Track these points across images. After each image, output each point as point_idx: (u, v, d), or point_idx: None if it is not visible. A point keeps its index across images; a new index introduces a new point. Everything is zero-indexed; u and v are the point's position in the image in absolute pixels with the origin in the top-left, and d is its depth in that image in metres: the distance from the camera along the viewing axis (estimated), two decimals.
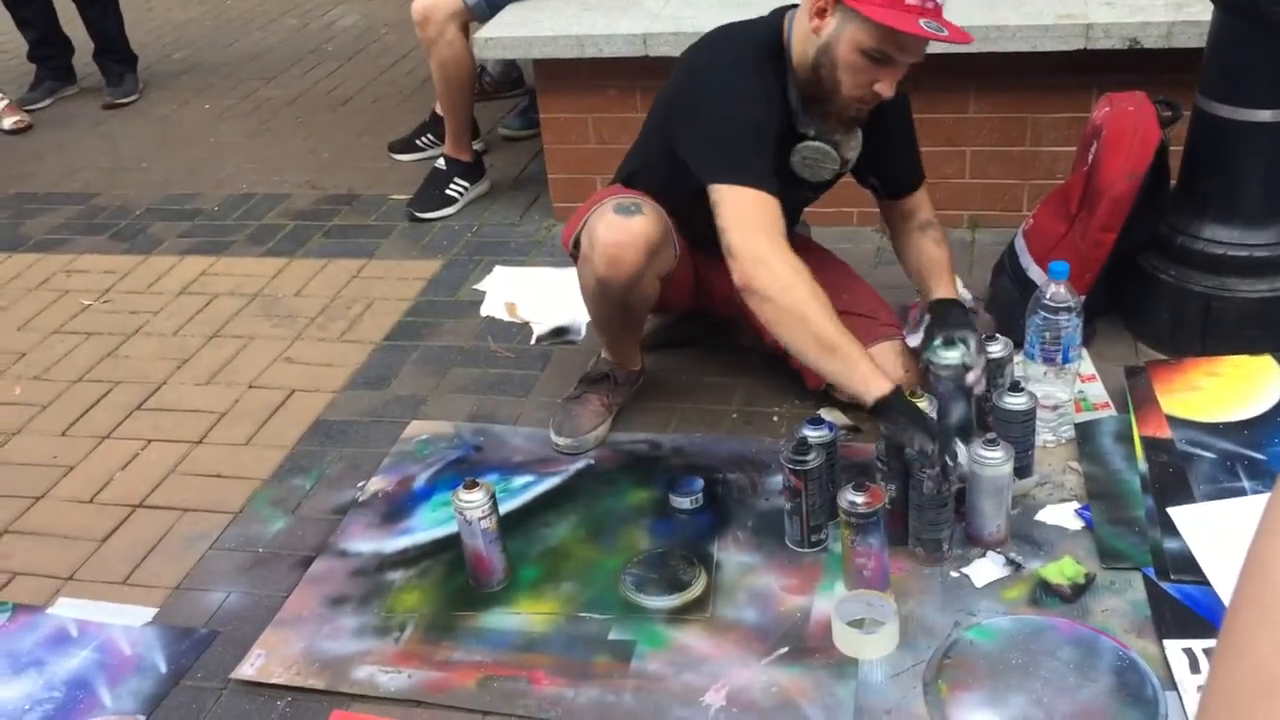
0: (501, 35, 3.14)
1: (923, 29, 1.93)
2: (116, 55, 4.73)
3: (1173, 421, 2.16)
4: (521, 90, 4.13)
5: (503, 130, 3.96)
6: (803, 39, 2.08)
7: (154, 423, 2.62)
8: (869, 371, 1.95)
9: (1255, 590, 0.50)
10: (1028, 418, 2.04)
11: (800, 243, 2.54)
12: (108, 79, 4.73)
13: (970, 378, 2.03)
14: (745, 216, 2.03)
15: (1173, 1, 2.76)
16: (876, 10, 1.94)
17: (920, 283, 2.33)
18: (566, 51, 3.07)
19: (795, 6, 2.13)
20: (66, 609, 2.09)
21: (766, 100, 2.11)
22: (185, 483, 2.41)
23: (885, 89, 2.03)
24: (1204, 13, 2.39)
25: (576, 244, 2.26)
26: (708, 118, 2.12)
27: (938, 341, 2.07)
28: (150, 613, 2.05)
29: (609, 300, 2.24)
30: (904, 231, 2.39)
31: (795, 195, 2.26)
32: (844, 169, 2.24)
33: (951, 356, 2.04)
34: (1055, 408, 2.17)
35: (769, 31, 2.16)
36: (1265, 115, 2.25)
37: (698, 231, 2.31)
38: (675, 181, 2.19)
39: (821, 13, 2.02)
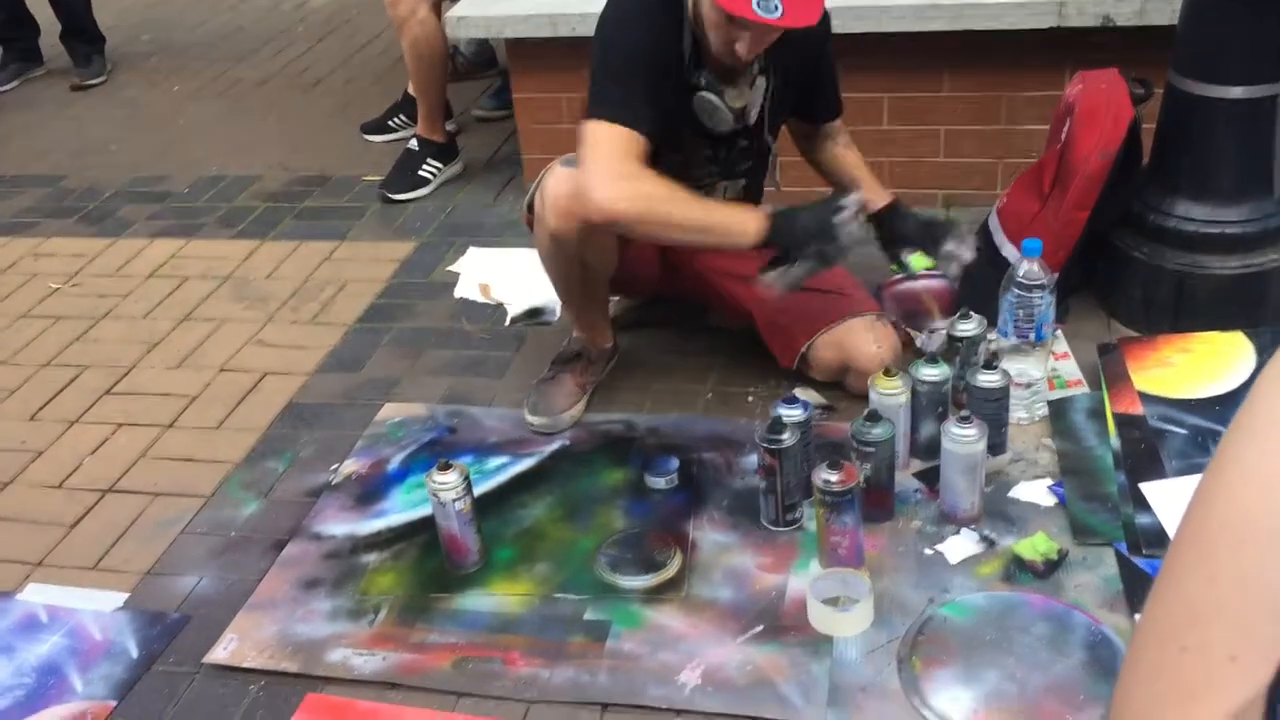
0: (473, 14, 3.12)
1: (754, 13, 1.92)
2: (84, 36, 4.67)
3: (1145, 398, 2.17)
4: (495, 71, 4.10)
5: (476, 111, 3.93)
6: None
7: (124, 407, 2.59)
8: (737, 221, 2.07)
9: (1196, 525, 0.51)
10: (1001, 395, 2.04)
11: None
12: (75, 60, 4.67)
13: (966, 255, 2.22)
14: (596, 148, 2.04)
15: None
16: None
17: (842, 182, 2.42)
18: (539, 30, 3.05)
19: None
20: (36, 595, 2.07)
21: (651, 36, 2.12)
22: (156, 467, 2.38)
23: (743, 50, 2.04)
24: None
25: (530, 208, 2.26)
26: (595, 60, 2.16)
27: (922, 360, 2.12)
28: (121, 598, 2.04)
29: (566, 258, 2.23)
30: (822, 151, 2.49)
31: (717, 142, 2.28)
32: (747, 116, 2.24)
33: (933, 374, 2.06)
34: (1028, 385, 2.18)
35: None
36: (1236, 92, 2.25)
37: None
38: None
39: None
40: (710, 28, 2.05)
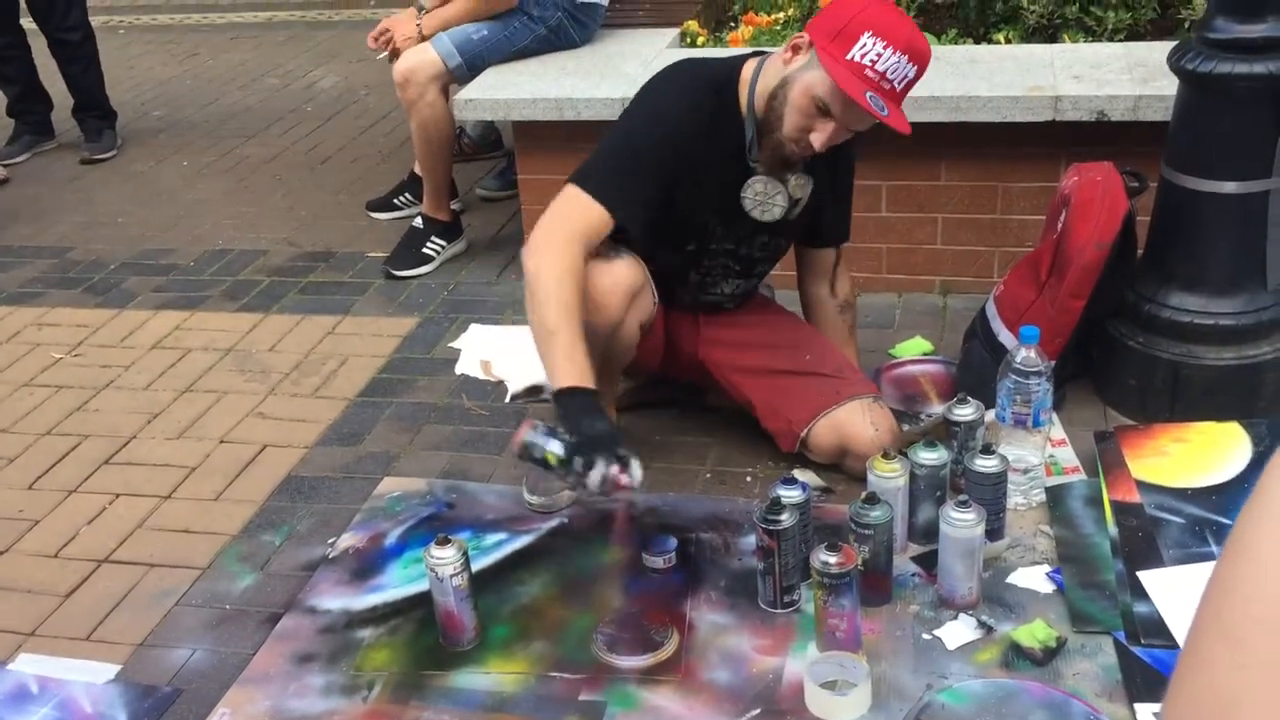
0: (481, 97, 3.18)
1: (866, 102, 2.01)
2: (96, 111, 4.75)
3: (1142, 486, 2.18)
4: (500, 152, 4.18)
5: (480, 191, 3.99)
6: (773, 70, 2.16)
7: (123, 477, 2.59)
8: (563, 364, 2.02)
9: (1217, 610, 0.51)
10: (999, 480, 2.05)
11: (761, 304, 2.58)
12: (86, 135, 4.74)
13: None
14: (560, 213, 2.13)
15: (1139, 76, 2.83)
16: (836, 67, 2.03)
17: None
18: (545, 114, 3.11)
19: (764, 54, 2.22)
20: (27, 665, 2.05)
21: (680, 122, 2.17)
22: (153, 538, 2.38)
23: (818, 140, 2.10)
24: (1169, 87, 2.45)
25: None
26: (612, 134, 2.25)
27: (920, 443, 2.12)
28: (113, 669, 2.02)
29: (592, 349, 2.24)
30: (821, 301, 2.52)
31: (747, 237, 2.32)
32: (792, 210, 2.27)
33: (931, 457, 2.08)
34: (1026, 471, 2.19)
35: (724, 66, 2.25)
36: (1229, 187, 2.29)
37: (666, 287, 2.34)
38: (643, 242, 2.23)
39: (796, 49, 2.11)
40: (792, 110, 2.10)
